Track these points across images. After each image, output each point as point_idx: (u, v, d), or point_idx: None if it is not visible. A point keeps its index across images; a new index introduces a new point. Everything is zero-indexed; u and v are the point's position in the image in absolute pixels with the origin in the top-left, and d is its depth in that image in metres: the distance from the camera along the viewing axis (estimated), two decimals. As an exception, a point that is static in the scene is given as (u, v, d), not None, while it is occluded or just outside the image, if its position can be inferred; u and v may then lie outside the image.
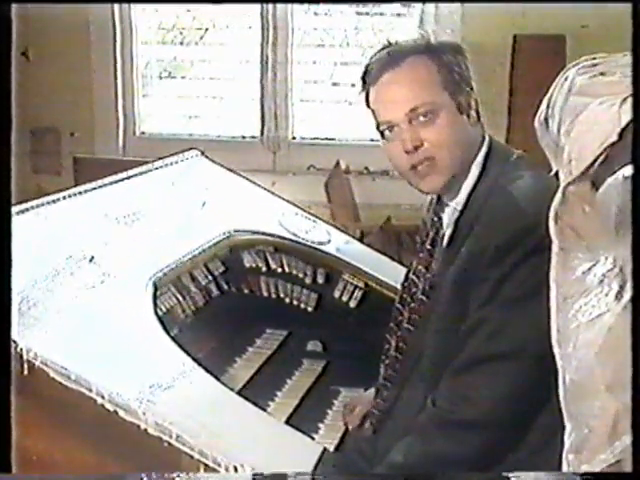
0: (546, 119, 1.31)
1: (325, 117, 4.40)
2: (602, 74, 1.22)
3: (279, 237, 2.49)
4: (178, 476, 1.47)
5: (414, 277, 1.91)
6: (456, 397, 1.67)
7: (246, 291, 2.47)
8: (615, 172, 1.07)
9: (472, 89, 1.80)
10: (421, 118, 1.74)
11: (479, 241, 1.69)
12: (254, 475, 1.52)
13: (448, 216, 1.82)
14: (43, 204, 2.01)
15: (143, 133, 4.52)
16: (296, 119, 4.39)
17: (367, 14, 4.27)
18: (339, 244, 2.56)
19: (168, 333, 1.88)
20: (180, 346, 1.81)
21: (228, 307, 2.39)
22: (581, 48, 3.59)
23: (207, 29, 4.41)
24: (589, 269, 1.08)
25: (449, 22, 4.04)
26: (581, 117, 1.18)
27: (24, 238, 1.78)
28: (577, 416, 1.07)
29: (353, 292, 2.44)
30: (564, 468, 1.09)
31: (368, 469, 1.79)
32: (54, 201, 2.05)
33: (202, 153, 2.72)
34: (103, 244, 2.01)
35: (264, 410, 1.92)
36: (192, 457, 1.52)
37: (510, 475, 1.39)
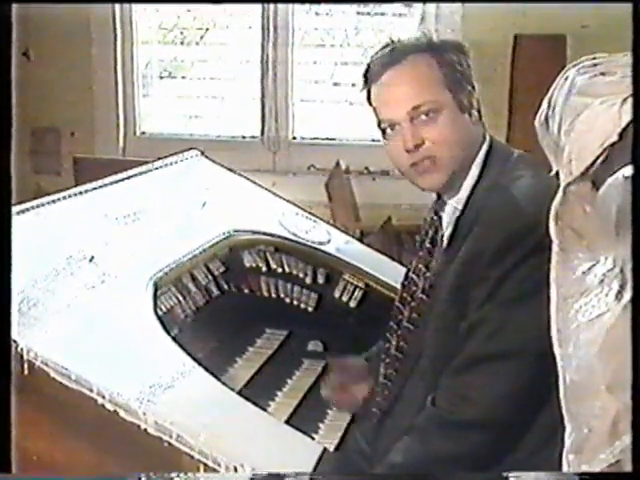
0: (546, 119, 1.30)
1: (325, 117, 4.40)
2: (602, 74, 1.22)
3: (279, 237, 2.49)
4: (178, 476, 1.47)
5: (414, 276, 1.91)
6: (455, 397, 1.67)
7: (246, 291, 2.47)
8: (615, 172, 1.07)
9: (474, 88, 1.80)
10: (422, 117, 1.74)
11: (479, 240, 1.69)
12: (254, 475, 1.52)
13: (448, 215, 1.82)
14: (43, 204, 2.01)
15: (143, 133, 4.53)
16: (296, 119, 4.39)
17: (368, 14, 4.27)
18: (339, 244, 2.56)
19: (168, 333, 1.88)
20: (180, 346, 1.81)
21: (228, 307, 2.38)
22: (581, 48, 3.60)
23: (207, 29, 4.41)
24: (589, 269, 1.08)
25: (450, 22, 4.04)
26: (581, 117, 1.18)
27: (24, 238, 1.78)
28: (577, 416, 1.07)
29: (353, 292, 2.43)
30: (564, 468, 1.09)
31: (368, 469, 1.79)
32: (54, 201, 2.05)
33: (202, 153, 2.72)
34: (103, 244, 2.01)
35: (264, 410, 1.92)
36: (192, 457, 1.52)
37: (510, 475, 1.39)
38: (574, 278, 1.09)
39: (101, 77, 4.39)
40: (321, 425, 2.11)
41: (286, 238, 2.49)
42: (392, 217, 4.00)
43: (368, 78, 1.82)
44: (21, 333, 1.58)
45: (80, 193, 2.15)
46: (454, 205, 1.80)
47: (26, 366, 1.56)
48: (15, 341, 1.55)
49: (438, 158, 1.74)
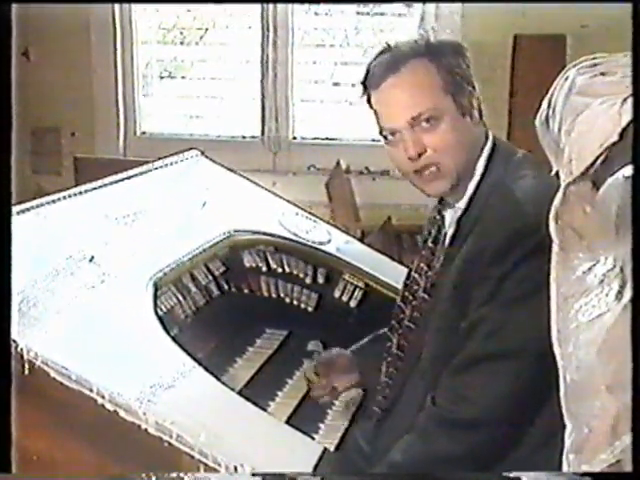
0: (547, 119, 1.31)
1: (326, 117, 4.40)
2: (602, 74, 1.22)
3: (279, 237, 2.49)
4: (178, 476, 1.47)
5: (416, 275, 1.91)
6: (456, 396, 1.67)
7: (246, 291, 2.47)
8: (615, 172, 1.07)
9: (474, 88, 1.79)
10: (424, 124, 1.73)
11: (480, 240, 1.69)
12: (254, 475, 1.52)
13: (450, 214, 1.82)
14: (43, 204, 2.01)
15: (143, 133, 4.52)
16: (296, 119, 4.39)
17: (367, 14, 4.27)
18: (339, 244, 2.56)
19: (168, 333, 1.88)
20: (180, 346, 1.81)
21: (228, 307, 2.39)
22: (581, 48, 3.60)
23: (207, 29, 4.41)
24: (589, 269, 1.08)
25: (449, 22, 4.04)
26: (582, 117, 1.18)
27: (24, 238, 1.78)
28: (577, 416, 1.07)
29: (353, 292, 2.44)
30: (564, 468, 1.09)
31: (368, 469, 1.79)
32: (54, 201, 2.05)
33: (202, 153, 2.72)
34: (103, 244, 2.01)
35: (264, 410, 1.92)
36: (192, 457, 1.52)
37: (510, 475, 1.39)
38: (574, 278, 1.09)
39: (101, 77, 4.39)
40: (321, 425, 2.11)
41: (286, 238, 2.49)
42: (392, 217, 4.00)
43: (367, 85, 1.81)
44: (21, 333, 1.58)
45: (80, 193, 2.15)
46: (457, 204, 1.80)
47: (26, 366, 1.56)
48: (15, 341, 1.55)
49: (442, 165, 1.74)
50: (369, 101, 1.82)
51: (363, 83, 1.82)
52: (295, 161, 4.36)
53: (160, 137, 4.46)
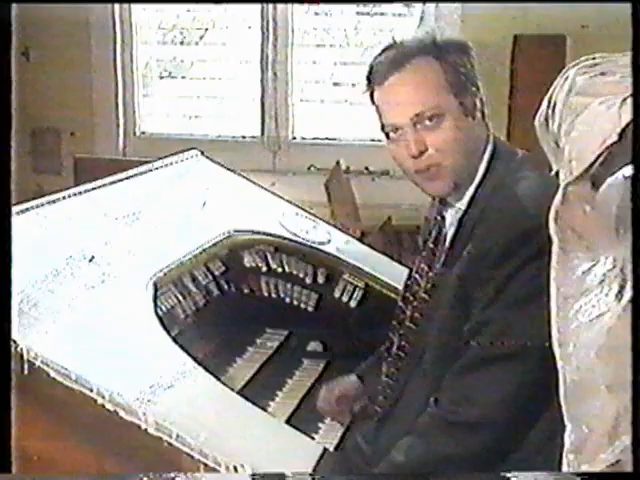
0: (546, 119, 1.31)
1: (325, 117, 4.40)
2: (602, 74, 1.22)
3: (279, 237, 2.49)
4: (178, 476, 1.47)
5: (417, 275, 1.91)
6: (458, 398, 1.67)
7: (246, 291, 2.47)
8: (615, 172, 1.07)
9: (478, 88, 1.78)
10: (426, 122, 1.73)
11: (483, 242, 1.69)
12: (254, 475, 1.52)
13: (451, 215, 1.82)
14: (43, 204, 2.01)
15: (143, 133, 4.52)
16: (296, 119, 4.39)
17: (367, 14, 4.27)
18: (339, 244, 2.56)
19: (168, 333, 1.88)
20: (180, 346, 1.81)
21: (228, 307, 2.39)
22: (581, 48, 3.59)
23: (207, 29, 4.41)
24: (589, 269, 1.08)
25: (449, 22, 4.04)
26: (581, 117, 1.18)
27: (24, 238, 1.78)
28: (577, 416, 1.07)
29: (353, 292, 2.44)
30: (564, 468, 1.09)
31: (368, 469, 1.79)
32: (54, 201, 2.05)
33: (202, 153, 2.72)
34: (103, 244, 2.01)
35: (264, 410, 1.92)
36: (192, 457, 1.52)
37: (510, 475, 1.39)
38: (574, 278, 1.09)
39: (101, 77, 4.39)
40: (321, 425, 2.11)
41: (286, 238, 2.49)
42: (392, 217, 4.00)
43: (371, 80, 1.80)
44: (21, 333, 1.58)
45: (80, 193, 2.15)
46: (457, 205, 1.79)
47: (26, 366, 1.56)
48: (15, 341, 1.55)
49: (443, 166, 1.74)
50: (372, 97, 1.81)
51: (367, 78, 1.81)
52: (295, 161, 4.36)
53: (160, 137, 4.46)
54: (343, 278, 2.45)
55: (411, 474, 1.67)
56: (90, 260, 1.92)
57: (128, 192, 2.30)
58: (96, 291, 1.85)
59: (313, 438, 1.95)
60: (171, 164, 2.56)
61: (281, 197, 2.74)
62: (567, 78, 1.27)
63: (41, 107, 4.30)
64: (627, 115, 1.08)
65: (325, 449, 1.72)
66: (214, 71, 4.43)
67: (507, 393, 1.63)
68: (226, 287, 2.40)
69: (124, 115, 4.46)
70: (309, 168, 4.36)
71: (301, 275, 2.46)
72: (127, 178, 2.34)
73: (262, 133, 4.40)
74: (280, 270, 2.46)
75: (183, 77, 4.51)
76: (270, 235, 2.48)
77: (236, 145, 4.38)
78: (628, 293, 1.03)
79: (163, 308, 2.09)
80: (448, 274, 1.75)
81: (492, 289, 1.64)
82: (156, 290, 2.02)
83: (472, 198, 1.77)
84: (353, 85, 4.10)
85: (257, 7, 4.28)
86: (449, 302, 1.73)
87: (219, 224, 2.40)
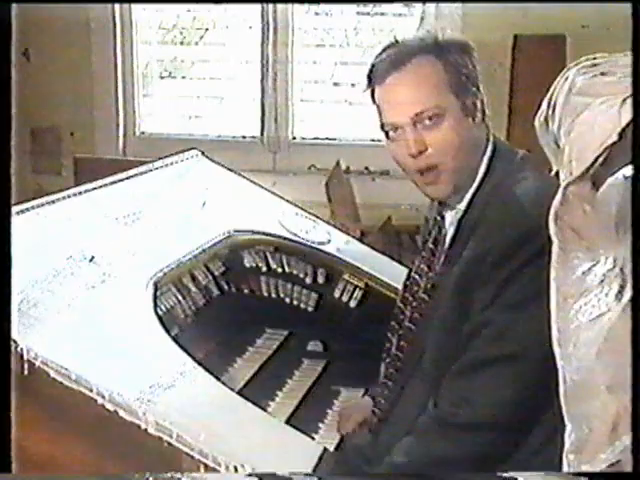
0: (546, 119, 1.30)
1: (325, 117, 4.40)
2: (602, 74, 1.22)
3: (279, 237, 2.49)
4: (178, 476, 1.47)
5: (416, 276, 1.91)
6: (458, 399, 1.67)
7: (246, 291, 2.47)
8: (615, 172, 1.07)
9: (479, 89, 1.77)
10: (426, 122, 1.72)
11: (483, 242, 1.68)
12: (254, 475, 1.52)
13: (451, 215, 1.81)
14: (43, 204, 2.01)
15: (143, 133, 4.53)
16: (296, 119, 4.39)
17: (367, 14, 4.27)
18: (339, 244, 2.56)
19: (168, 333, 1.88)
20: (180, 346, 1.81)
21: (228, 307, 2.39)
22: (581, 48, 3.59)
23: (207, 29, 4.41)
24: (589, 269, 1.08)
25: (449, 22, 4.04)
26: (581, 117, 1.18)
27: (24, 238, 1.78)
28: (577, 416, 1.07)
29: (353, 292, 2.43)
30: (564, 468, 1.09)
31: (368, 469, 1.79)
32: (54, 201, 2.05)
33: (202, 153, 2.72)
34: (103, 244, 2.01)
35: (264, 410, 1.92)
36: (192, 457, 1.52)
37: (510, 475, 1.39)
38: (574, 278, 1.09)
39: (101, 77, 4.40)
40: (321, 425, 2.11)
41: (286, 238, 2.49)
42: (392, 217, 4.00)
43: (372, 79, 1.79)
44: (21, 333, 1.58)
45: (80, 193, 2.15)
46: (457, 205, 1.79)
47: (26, 366, 1.56)
48: (15, 341, 1.55)
49: (442, 168, 1.73)
50: (373, 96, 1.81)
51: (368, 76, 1.81)
52: (295, 161, 4.36)
53: (160, 137, 4.46)
54: (343, 278, 2.45)
55: (411, 475, 1.67)
56: (90, 260, 1.92)
57: (128, 192, 2.30)
58: (96, 291, 1.85)
59: (313, 438, 1.95)
60: (171, 164, 2.56)
61: (281, 197, 2.74)
62: (567, 78, 1.26)
63: (41, 107, 4.30)
64: (627, 115, 1.08)
65: (325, 449, 1.72)
66: (214, 71, 4.43)
67: (507, 394, 1.62)
68: (226, 287, 2.40)
69: (124, 115, 4.46)
70: (309, 168, 4.36)
71: (301, 275, 2.46)
72: (127, 178, 2.34)
73: (262, 133, 4.40)
74: (280, 270, 2.46)
75: (183, 77, 4.52)
76: (270, 235, 2.48)
77: (236, 145, 4.39)
78: (628, 293, 1.03)
79: (163, 308, 2.09)
80: (448, 274, 1.75)
81: (492, 290, 1.64)
82: (156, 290, 2.02)
83: (472, 199, 1.77)
84: (353, 85, 4.10)
85: (257, 7, 4.29)
86: (448, 303, 1.73)
87: (219, 224, 2.40)
